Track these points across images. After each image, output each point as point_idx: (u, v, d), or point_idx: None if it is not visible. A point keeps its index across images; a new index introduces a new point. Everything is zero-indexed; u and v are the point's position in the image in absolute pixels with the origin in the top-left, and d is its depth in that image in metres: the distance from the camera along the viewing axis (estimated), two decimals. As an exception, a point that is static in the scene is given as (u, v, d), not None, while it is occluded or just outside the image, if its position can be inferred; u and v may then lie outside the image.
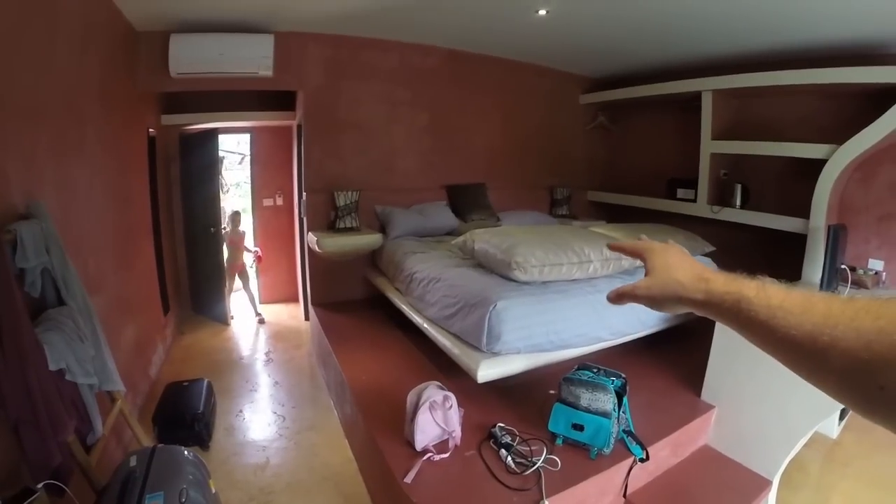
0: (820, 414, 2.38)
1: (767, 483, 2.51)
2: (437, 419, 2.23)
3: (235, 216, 5.19)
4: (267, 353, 4.50)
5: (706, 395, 2.83)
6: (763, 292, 0.53)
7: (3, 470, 1.61)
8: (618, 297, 0.74)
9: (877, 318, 0.42)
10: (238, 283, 5.27)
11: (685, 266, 0.67)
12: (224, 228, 5.13)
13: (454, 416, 2.28)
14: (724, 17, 3.47)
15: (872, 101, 3.48)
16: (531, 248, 2.71)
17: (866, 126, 3.35)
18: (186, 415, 3.01)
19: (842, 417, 3.38)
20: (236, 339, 4.87)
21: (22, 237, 1.77)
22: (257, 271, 5.81)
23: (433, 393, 2.25)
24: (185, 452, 2.08)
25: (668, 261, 0.70)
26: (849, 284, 3.09)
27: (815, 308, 0.47)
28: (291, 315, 5.51)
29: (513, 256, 2.64)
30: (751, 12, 3.34)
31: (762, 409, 2.55)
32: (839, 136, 3.50)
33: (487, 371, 2.46)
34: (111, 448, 2.47)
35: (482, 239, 2.96)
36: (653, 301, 0.69)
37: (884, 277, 3.56)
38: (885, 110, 3.25)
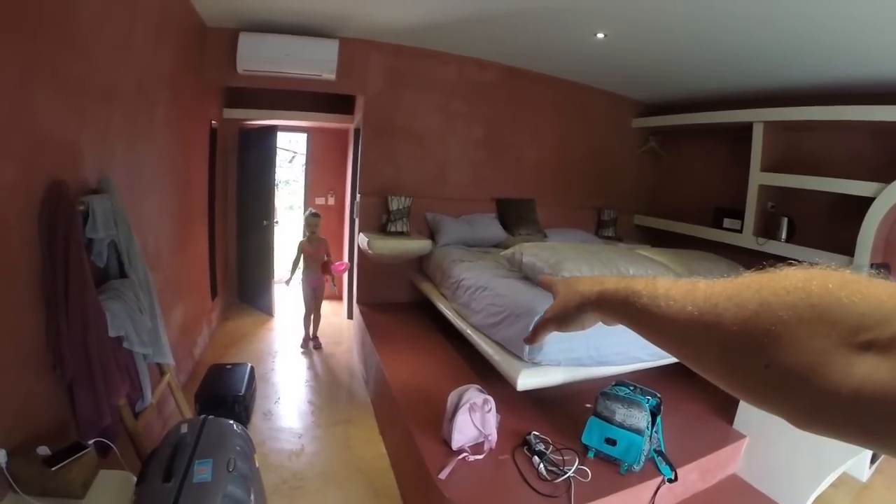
0: (850, 451, 2.39)
1: (793, 518, 2.53)
2: (475, 421, 2.32)
3: (312, 220, 4.43)
4: (307, 347, 4.64)
5: (738, 424, 2.86)
6: (651, 284, 0.52)
7: (52, 424, 1.71)
8: (533, 334, 0.77)
9: (758, 289, 0.39)
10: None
11: (584, 280, 0.67)
12: (303, 236, 4.48)
13: (492, 419, 2.37)
14: (780, 49, 3.49)
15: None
16: (578, 264, 2.78)
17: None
18: (228, 396, 3.13)
19: (873, 461, 3.34)
20: (279, 329, 5.03)
21: (94, 209, 1.88)
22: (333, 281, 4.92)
23: (474, 395, 2.34)
24: (234, 426, 2.13)
25: (570, 282, 0.70)
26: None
27: (697, 291, 0.45)
28: (335, 312, 5.64)
29: (560, 271, 2.71)
30: (808, 46, 3.35)
31: (792, 441, 2.56)
32: (888, 174, 3.48)
33: (527, 380, 2.53)
34: (153, 419, 2.56)
35: (531, 252, 3.04)
36: (560, 318, 0.68)
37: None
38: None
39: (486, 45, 4.39)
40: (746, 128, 4.47)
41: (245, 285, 5.48)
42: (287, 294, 6.07)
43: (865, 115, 3.61)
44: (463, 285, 3.39)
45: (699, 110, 4.95)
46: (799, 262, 0.41)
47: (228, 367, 3.51)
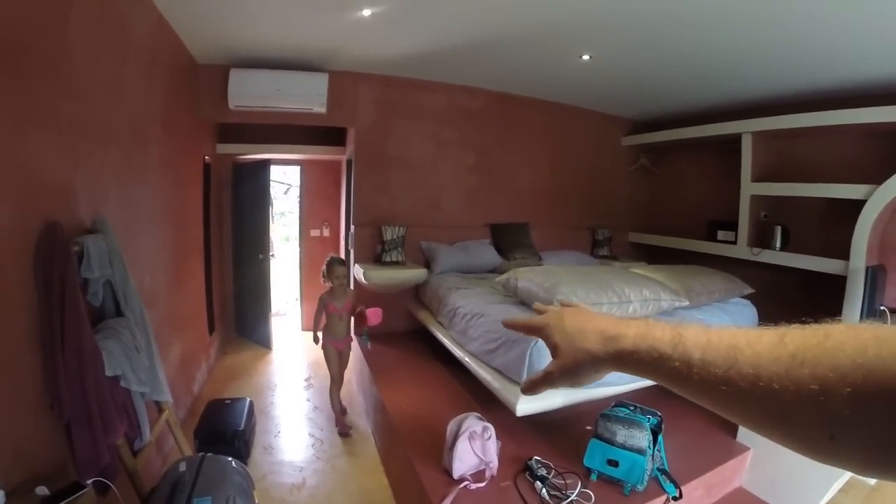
0: None
1: (801, 529, 2.50)
2: (475, 449, 2.31)
3: (339, 270, 3.60)
4: (307, 379, 4.60)
5: (742, 437, 2.85)
6: (680, 343, 0.49)
7: (50, 465, 1.70)
8: (532, 388, 0.68)
9: (814, 365, 0.38)
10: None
11: (587, 330, 0.61)
12: (326, 287, 3.67)
13: (492, 446, 2.35)
14: (765, 59, 3.54)
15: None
16: (573, 287, 2.78)
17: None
18: (227, 431, 3.10)
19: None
20: (277, 363, 5.01)
21: (88, 249, 1.89)
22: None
23: (473, 423, 2.33)
24: (233, 463, 2.15)
25: (568, 331, 0.64)
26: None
27: (742, 356, 0.43)
28: None
29: (555, 295, 2.71)
30: (792, 55, 3.41)
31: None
32: (879, 176, 3.49)
33: (526, 405, 2.51)
34: (152, 456, 2.56)
35: (525, 277, 3.04)
36: (571, 379, 0.63)
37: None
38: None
39: (475, 73, 4.47)
40: (735, 139, 4.53)
41: (242, 319, 5.47)
42: (285, 327, 6.05)
43: (852, 119, 3.64)
44: (459, 313, 3.39)
45: (688, 124, 5.03)
46: (833, 320, 0.43)
47: (227, 402, 3.49)
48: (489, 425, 2.39)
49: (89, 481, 1.66)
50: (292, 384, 4.49)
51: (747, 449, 2.78)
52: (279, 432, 3.61)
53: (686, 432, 2.93)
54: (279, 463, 3.23)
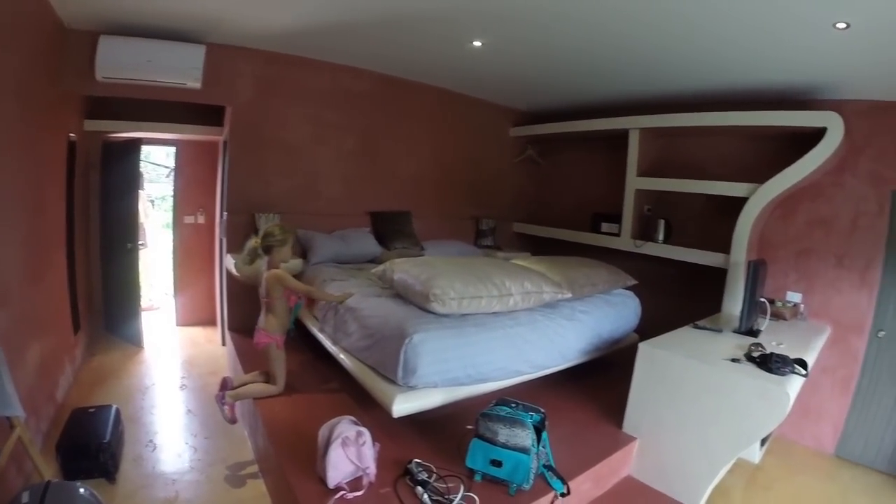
0: (741, 443, 2.43)
1: (691, 512, 2.53)
2: (349, 455, 2.12)
3: (277, 240, 3.00)
4: (182, 379, 4.23)
5: (628, 426, 2.85)
6: None
7: None
8: None
9: None
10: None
11: None
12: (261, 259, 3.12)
13: (368, 452, 2.18)
14: (654, 60, 3.59)
15: (792, 143, 3.67)
16: (450, 280, 2.65)
17: (786, 166, 3.52)
18: (91, 444, 2.77)
19: (763, 442, 3.48)
20: (149, 363, 4.57)
21: None
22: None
23: (346, 428, 2.15)
24: (81, 490, 1.95)
25: None
26: (768, 316, 3.20)
27: None
28: (209, 339, 5.22)
29: (431, 288, 2.58)
30: (679, 58, 3.47)
31: (684, 439, 2.59)
32: (759, 175, 3.68)
33: (403, 405, 2.38)
34: (11, 478, 2.26)
35: (402, 269, 2.89)
36: None
37: (802, 309, 3.72)
38: (805, 152, 3.44)
39: (360, 53, 4.24)
40: (623, 135, 4.61)
41: (112, 315, 4.94)
42: (158, 322, 5.60)
43: (736, 120, 3.83)
44: (333, 306, 3.17)
45: (576, 118, 5.06)
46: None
47: (91, 410, 3.12)
48: (363, 429, 2.21)
49: None
50: (165, 386, 4.10)
51: (633, 439, 2.79)
52: (150, 441, 3.27)
53: (570, 424, 2.91)
54: (151, 475, 2.91)
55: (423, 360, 2.36)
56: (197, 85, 3.77)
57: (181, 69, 3.70)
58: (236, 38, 3.92)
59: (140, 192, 5.79)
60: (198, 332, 5.36)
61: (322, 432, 2.18)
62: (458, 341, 2.53)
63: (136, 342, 4.75)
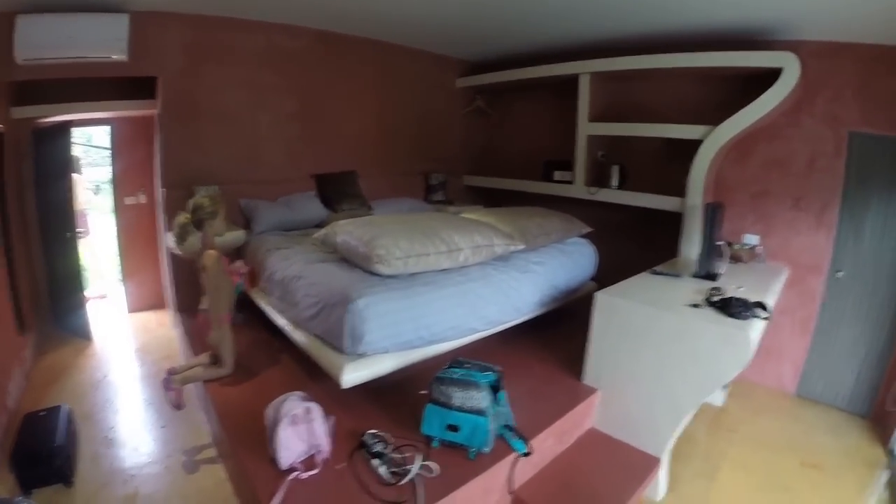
0: (704, 390, 2.40)
1: (656, 461, 2.54)
2: (299, 434, 2.04)
3: (207, 213, 2.79)
4: (134, 370, 4.06)
5: (588, 378, 2.82)
6: None
7: None
8: None
9: None
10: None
11: None
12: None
13: (319, 428, 2.09)
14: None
15: (746, 84, 3.61)
16: (395, 238, 2.55)
17: (741, 108, 3.47)
18: (44, 450, 2.65)
19: (725, 385, 3.50)
20: (100, 355, 4.38)
21: None
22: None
23: (293, 406, 2.06)
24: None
25: None
26: (727, 260, 3.18)
27: None
28: (160, 322, 5.02)
29: (374, 249, 2.47)
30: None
31: (646, 388, 2.56)
32: (714, 117, 3.61)
33: (352, 375, 2.30)
34: None
35: (344, 231, 2.76)
36: None
37: (760, 251, 3.72)
38: (759, 93, 3.38)
39: (293, 8, 3.99)
40: (573, 80, 4.49)
41: (59, 310, 4.72)
42: (108, 311, 5.37)
43: (690, 62, 3.72)
44: (275, 278, 3.05)
45: (525, 65, 4.91)
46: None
47: (42, 413, 2.98)
48: (312, 405, 2.12)
49: None
50: (118, 378, 3.94)
51: (595, 390, 2.76)
52: (106, 437, 3.14)
53: (529, 379, 2.87)
54: (109, 473, 2.80)
55: (370, 325, 2.27)
56: (123, 57, 3.53)
57: (105, 42, 3.46)
58: (160, 3, 3.66)
59: (77, 176, 5.51)
60: (150, 318, 5.16)
61: (268, 413, 2.09)
62: (407, 303, 2.44)
63: (84, 335, 4.56)
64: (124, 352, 4.30)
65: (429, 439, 2.21)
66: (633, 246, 4.31)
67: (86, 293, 4.71)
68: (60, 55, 3.44)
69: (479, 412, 2.12)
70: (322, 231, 2.95)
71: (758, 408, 3.62)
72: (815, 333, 3.68)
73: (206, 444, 2.98)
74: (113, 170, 5.13)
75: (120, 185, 5.14)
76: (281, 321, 2.99)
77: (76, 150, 5.66)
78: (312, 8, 3.97)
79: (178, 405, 2.85)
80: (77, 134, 5.38)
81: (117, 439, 3.12)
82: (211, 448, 2.93)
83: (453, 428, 2.14)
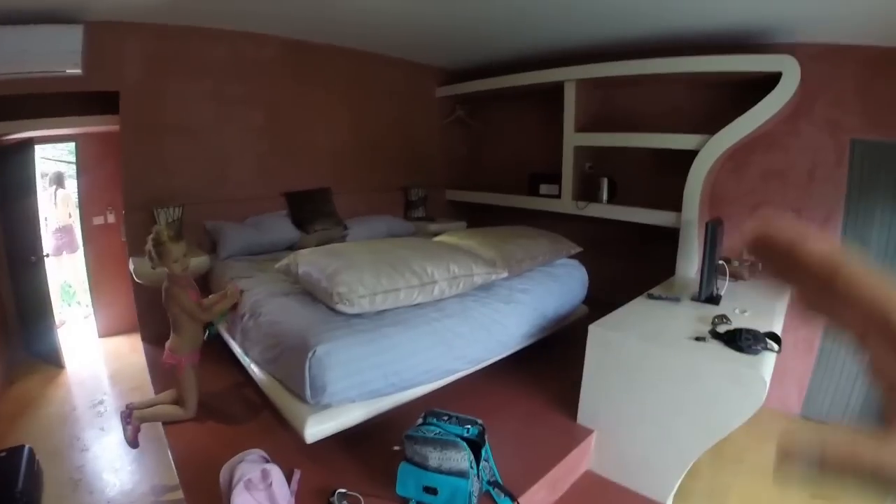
0: (713, 434, 2.19)
1: (660, 505, 2.31)
2: (258, 499, 1.82)
3: (168, 245, 2.50)
4: (101, 402, 3.82)
5: (583, 418, 2.58)
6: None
7: None
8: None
9: None
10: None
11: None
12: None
13: (279, 490, 1.87)
14: (588, 5, 3.26)
15: (743, 91, 3.44)
16: (359, 273, 2.31)
17: (736, 116, 3.28)
18: (4, 495, 2.48)
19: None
20: (70, 385, 4.13)
21: None
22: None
23: (248, 469, 1.83)
24: None
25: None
26: (727, 279, 2.99)
27: None
28: (133, 348, 4.68)
29: (335, 286, 2.23)
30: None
31: (648, 430, 2.34)
32: (708, 126, 3.43)
33: (316, 428, 2.07)
34: None
35: (307, 261, 2.52)
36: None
37: (760, 267, 3.53)
38: (757, 100, 3.20)
39: (260, 15, 3.77)
40: (558, 88, 4.28)
41: (30, 335, 4.49)
42: (79, 336, 5.12)
43: (682, 67, 3.53)
44: (238, 310, 2.81)
45: (509, 73, 4.68)
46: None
47: (3, 455, 2.76)
48: (271, 466, 1.89)
49: None
50: (87, 411, 3.70)
51: (591, 431, 2.53)
52: (71, 479, 2.92)
53: (517, 421, 2.63)
54: (75, 518, 2.60)
55: (331, 374, 2.04)
56: (77, 70, 3.30)
57: (58, 55, 3.24)
58: (117, 12, 3.42)
59: (63, 192, 5.42)
60: (122, 343, 4.92)
61: (223, 475, 1.86)
62: (374, 347, 2.20)
63: (55, 362, 4.32)
64: (94, 381, 4.07)
65: (404, 501, 1.98)
66: (626, 263, 4.13)
67: (59, 316, 4.48)
68: (13, 70, 3.22)
69: (460, 473, 1.89)
70: (284, 261, 2.70)
71: (763, 433, 3.42)
72: (820, 352, 3.51)
73: (175, 484, 2.75)
74: (79, 187, 4.88)
75: (87, 204, 4.89)
76: (245, 360, 2.74)
77: (60, 165, 5.49)
78: (280, 16, 3.75)
79: (133, 443, 2.63)
80: (60, 147, 5.25)
81: (84, 480, 2.91)
82: (178, 488, 2.71)
83: (431, 490, 1.92)
